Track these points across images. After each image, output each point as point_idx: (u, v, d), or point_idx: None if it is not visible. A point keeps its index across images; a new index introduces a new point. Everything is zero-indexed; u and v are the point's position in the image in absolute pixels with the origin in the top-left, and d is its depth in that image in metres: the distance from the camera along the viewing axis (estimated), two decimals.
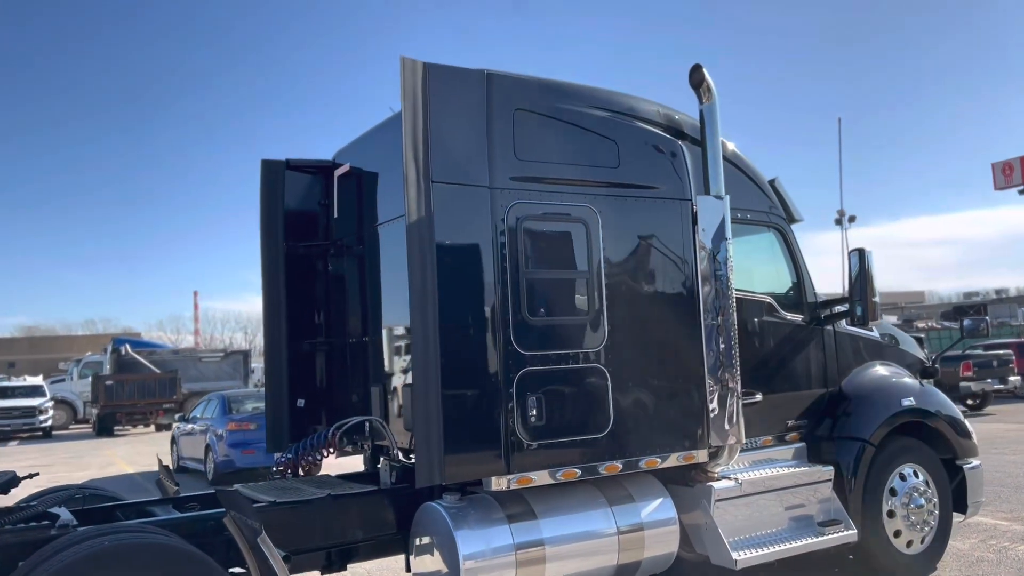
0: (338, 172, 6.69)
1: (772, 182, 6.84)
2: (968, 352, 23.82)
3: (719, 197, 5.89)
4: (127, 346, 35.59)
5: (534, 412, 5.08)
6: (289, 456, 6.05)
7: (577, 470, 5.25)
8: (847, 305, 6.77)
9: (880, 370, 7.21)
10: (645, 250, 5.73)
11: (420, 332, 4.79)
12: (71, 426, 35.90)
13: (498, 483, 4.98)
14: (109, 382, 30.55)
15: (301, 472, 6.27)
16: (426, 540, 5.14)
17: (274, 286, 6.70)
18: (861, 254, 6.52)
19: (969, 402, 22.46)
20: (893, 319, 39.73)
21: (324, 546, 5.23)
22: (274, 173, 6.76)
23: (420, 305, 4.80)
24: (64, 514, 4.76)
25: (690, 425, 5.73)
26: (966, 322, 8.08)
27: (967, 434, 7.30)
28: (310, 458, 5.96)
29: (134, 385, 30.65)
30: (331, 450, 5.87)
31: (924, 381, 7.71)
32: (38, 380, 36.09)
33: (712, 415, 5.76)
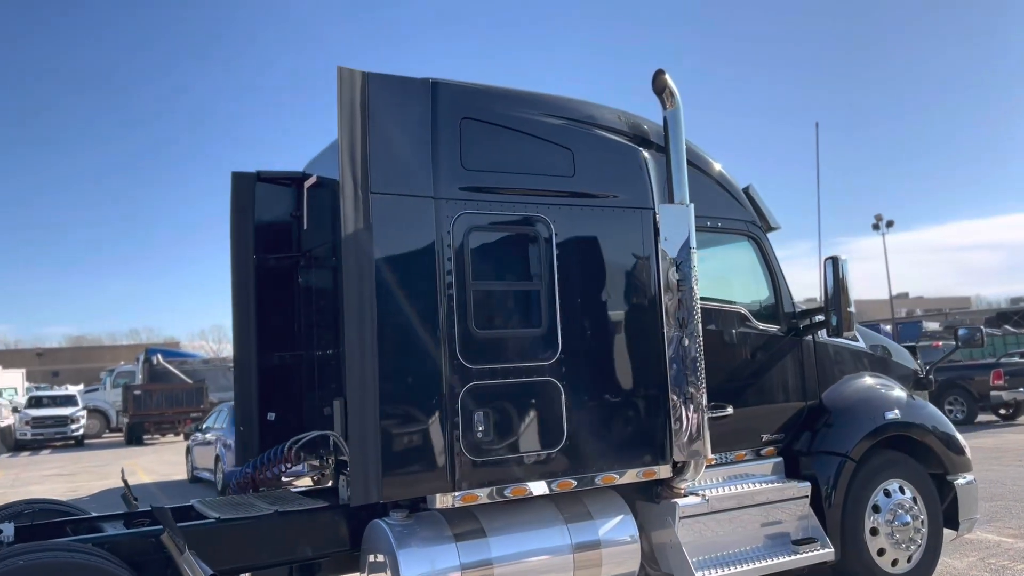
0: (308, 183, 6.66)
1: (746, 189, 6.66)
2: (1001, 360, 23.12)
3: (683, 205, 5.73)
4: (159, 356, 36.15)
5: (481, 427, 4.97)
6: (248, 471, 6.00)
7: (528, 487, 5.12)
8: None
9: (865, 382, 6.97)
10: (603, 260, 5.59)
11: (356, 346, 4.71)
12: (104, 435, 36.55)
13: (442, 501, 4.88)
14: (138, 392, 31.03)
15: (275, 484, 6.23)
16: (375, 559, 5.05)
17: (244, 298, 6.68)
18: (835, 263, 6.31)
19: (1001, 411, 21.79)
20: (935, 325, 38.77)
21: (272, 563, 5.17)
22: (244, 185, 6.75)
23: (357, 318, 4.72)
24: (7, 529, 4.77)
25: (651, 440, 5.57)
26: (961, 331, 7.81)
27: (959, 448, 7.02)
28: (268, 473, 5.91)
29: (162, 395, 31.10)
30: (288, 465, 5.81)
31: (917, 393, 7.47)
32: (71, 390, 36.79)
33: (675, 429, 5.60)
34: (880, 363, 7.35)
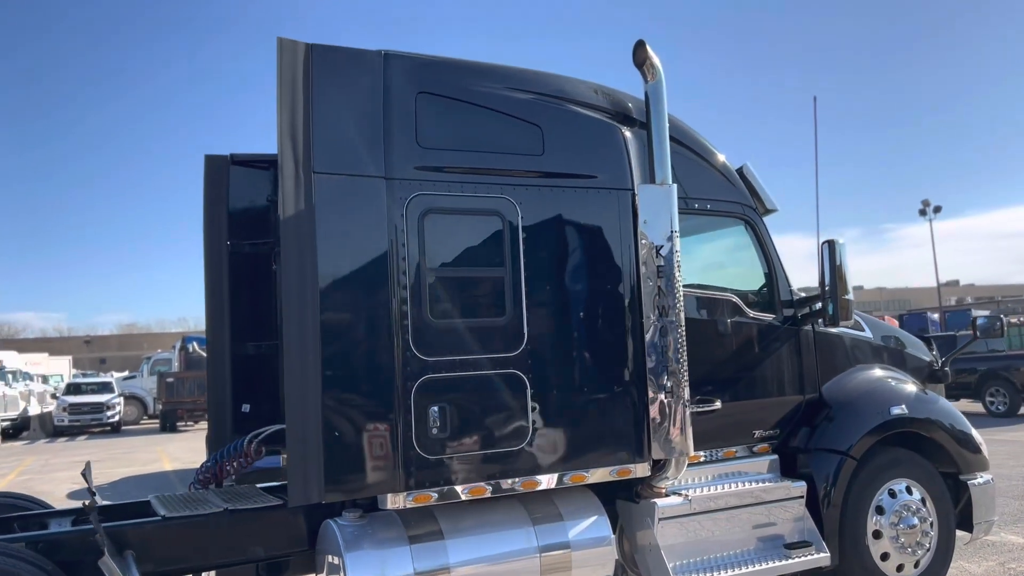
0: None
1: (740, 170, 6.23)
2: None
3: (665, 185, 5.35)
4: (195, 344, 36.46)
5: (436, 423, 4.67)
6: (209, 464, 5.79)
7: (487, 486, 4.81)
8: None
9: (870, 374, 6.52)
10: (575, 245, 5.24)
11: (296, 336, 4.43)
12: (142, 421, 37.07)
13: (394, 501, 4.60)
14: (171, 379, 31.36)
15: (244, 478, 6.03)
16: (328, 560, 4.79)
17: (217, 286, 6.46)
18: (831, 246, 5.87)
19: None
20: (985, 313, 37.46)
21: (221, 564, 4.94)
22: (218, 168, 6.51)
23: (297, 307, 4.44)
24: None
25: (626, 436, 5.22)
26: (980, 320, 7.29)
27: (974, 446, 6.54)
28: (229, 468, 5.69)
29: (194, 382, 31.33)
30: (248, 460, 5.58)
31: (931, 387, 7.00)
32: (109, 377, 37.36)
33: (654, 425, 5.24)
34: (890, 354, 6.89)
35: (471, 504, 5.01)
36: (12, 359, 42.25)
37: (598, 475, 5.14)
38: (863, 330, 6.69)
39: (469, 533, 4.89)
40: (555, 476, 5.00)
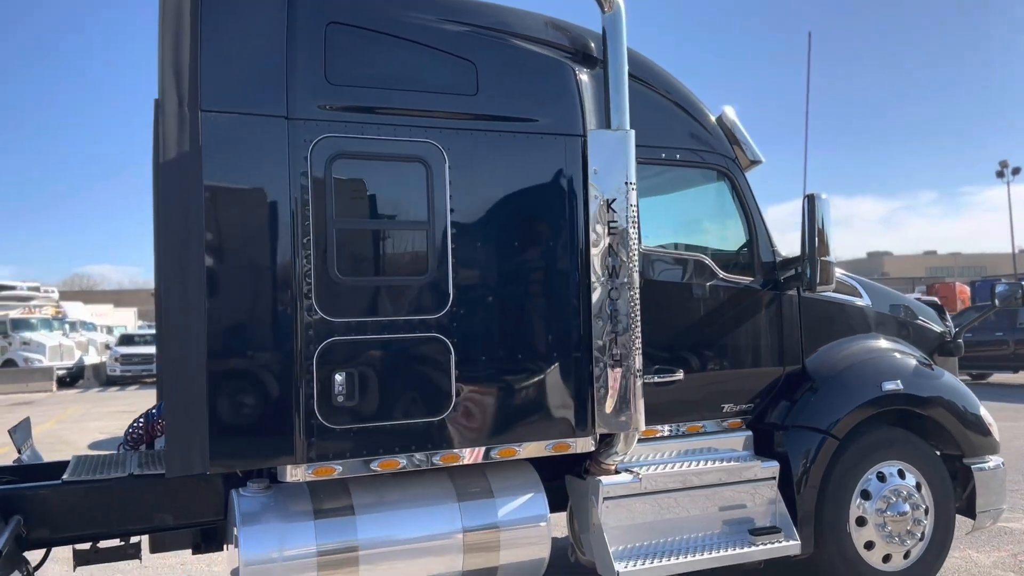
0: None
1: (720, 118, 5.60)
2: None
3: (622, 131, 4.79)
4: None
5: (343, 390, 4.26)
6: (140, 423, 5.52)
7: (401, 460, 4.41)
8: None
9: (863, 345, 5.88)
10: (512, 197, 4.73)
11: (177, 291, 4.07)
12: None
13: (292, 473, 4.23)
14: None
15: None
16: (232, 532, 4.48)
17: None
18: (811, 201, 5.23)
19: None
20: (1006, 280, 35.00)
21: (124, 531, 4.68)
22: None
23: (179, 260, 4.06)
24: None
25: (566, 408, 4.74)
26: (999, 288, 6.56)
27: (981, 427, 5.88)
28: (159, 428, 5.41)
29: None
30: None
31: (942, 361, 6.33)
32: None
33: (599, 397, 4.75)
34: (893, 325, 6.23)
35: (394, 478, 4.63)
36: (77, 310, 43.62)
37: (531, 450, 4.69)
38: (860, 296, 6.04)
39: (384, 509, 4.51)
40: (481, 450, 4.56)
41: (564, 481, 5.22)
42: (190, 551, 5.18)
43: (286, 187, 4.19)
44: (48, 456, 6.38)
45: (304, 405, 4.19)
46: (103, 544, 4.96)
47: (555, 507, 5.31)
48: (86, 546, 4.93)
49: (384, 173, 4.48)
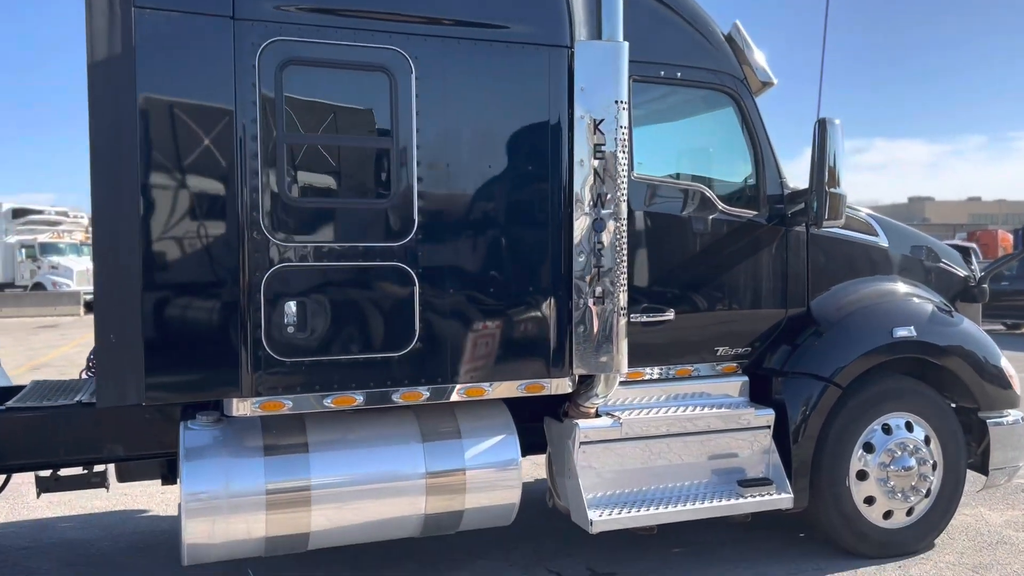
0: None
1: (729, 34, 5.08)
2: None
3: (613, 42, 4.32)
4: None
5: (293, 321, 3.95)
6: None
7: (357, 396, 4.11)
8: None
9: (875, 288, 5.43)
10: (487, 114, 4.30)
11: (109, 212, 3.75)
12: None
13: (239, 407, 3.95)
14: None
15: None
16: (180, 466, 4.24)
17: None
18: (822, 127, 4.74)
19: None
20: None
21: (72, 461, 4.49)
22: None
23: (111, 173, 3.73)
24: None
25: (540, 347, 4.40)
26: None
27: (1001, 380, 5.44)
28: None
29: None
30: None
31: (964, 307, 5.87)
32: None
33: (578, 336, 4.39)
34: (912, 267, 5.75)
35: (355, 416, 4.35)
36: None
37: (502, 390, 4.37)
38: (876, 235, 5.56)
39: (341, 447, 4.24)
40: (445, 388, 4.25)
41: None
42: (160, 482, 5.00)
43: (231, 96, 3.81)
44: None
45: (251, 335, 3.89)
46: (65, 472, 4.80)
47: (537, 449, 5.04)
48: (47, 473, 4.77)
49: (342, 83, 4.07)
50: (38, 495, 4.84)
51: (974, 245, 25.04)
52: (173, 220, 3.78)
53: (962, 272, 6.02)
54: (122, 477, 4.95)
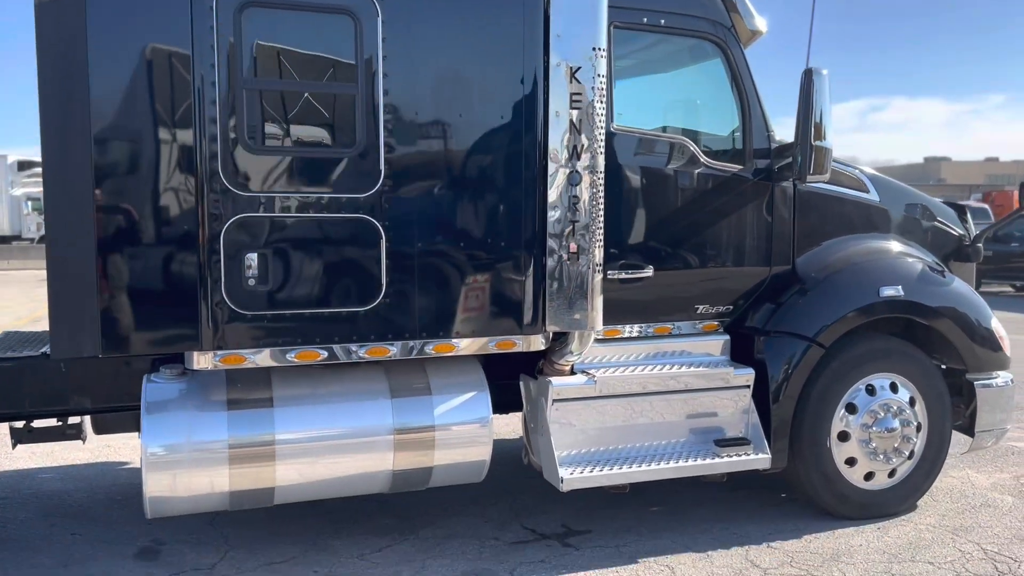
0: None
1: None
2: None
3: None
4: None
5: (254, 273, 3.86)
6: None
7: (321, 351, 4.03)
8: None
9: (865, 246, 5.29)
10: (457, 61, 4.16)
11: (58, 158, 3.64)
12: None
13: (199, 360, 3.88)
14: None
15: None
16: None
17: None
18: (808, 77, 4.57)
19: None
20: None
21: (33, 414, 4.45)
22: None
23: (60, 116, 3.61)
24: None
25: (513, 303, 4.30)
26: None
27: (991, 341, 5.32)
28: None
29: None
30: None
31: (958, 267, 5.73)
32: None
33: (551, 292, 4.29)
34: (905, 224, 5.60)
35: (323, 371, 4.28)
36: None
37: (472, 346, 4.28)
38: (867, 191, 5.40)
39: (307, 402, 4.18)
40: (413, 344, 4.17)
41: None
42: (138, 434, 4.97)
43: (187, 38, 3.67)
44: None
45: (211, 288, 3.80)
46: (39, 423, 4.77)
47: (518, 407, 4.97)
48: (21, 424, 4.75)
49: (305, 27, 3.92)
50: (13, 446, 4.82)
51: (986, 205, 24.70)
52: (127, 170, 3.68)
53: (957, 231, 5.87)
54: (99, 429, 4.92)
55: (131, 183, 3.69)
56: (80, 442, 4.98)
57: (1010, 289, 19.26)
